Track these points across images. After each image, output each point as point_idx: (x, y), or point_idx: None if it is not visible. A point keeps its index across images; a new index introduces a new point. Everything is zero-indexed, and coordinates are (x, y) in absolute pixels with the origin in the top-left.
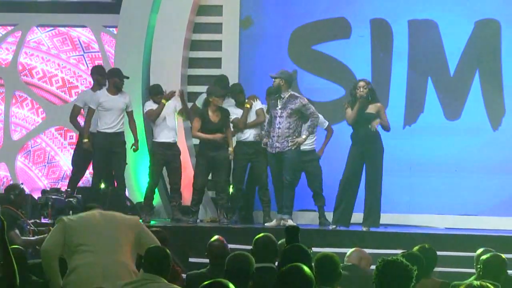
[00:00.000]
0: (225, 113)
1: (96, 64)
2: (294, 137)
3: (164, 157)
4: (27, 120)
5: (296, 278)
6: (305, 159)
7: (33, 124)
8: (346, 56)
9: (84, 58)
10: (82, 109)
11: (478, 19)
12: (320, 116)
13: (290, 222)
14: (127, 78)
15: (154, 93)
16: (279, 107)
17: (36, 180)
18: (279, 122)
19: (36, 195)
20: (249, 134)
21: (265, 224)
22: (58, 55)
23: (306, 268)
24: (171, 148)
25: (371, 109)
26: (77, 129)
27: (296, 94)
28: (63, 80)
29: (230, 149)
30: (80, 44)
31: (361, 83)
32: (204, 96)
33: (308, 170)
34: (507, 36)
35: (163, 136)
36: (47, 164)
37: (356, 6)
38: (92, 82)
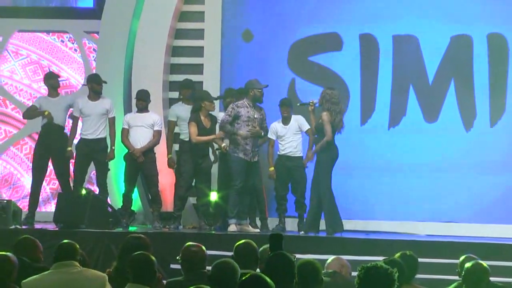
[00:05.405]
0: (214, 120)
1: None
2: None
3: (136, 164)
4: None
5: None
6: (290, 165)
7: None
8: (339, 66)
9: None
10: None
11: (453, 34)
12: (301, 117)
13: (250, 228)
14: (105, 82)
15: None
16: (255, 116)
17: None
18: (253, 127)
19: None
20: None
21: (229, 230)
22: (30, 85)
23: (267, 278)
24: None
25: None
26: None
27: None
28: None
29: (224, 144)
30: None
31: None
32: (174, 108)
33: (294, 177)
34: (478, 49)
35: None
36: (12, 186)
37: (347, 22)
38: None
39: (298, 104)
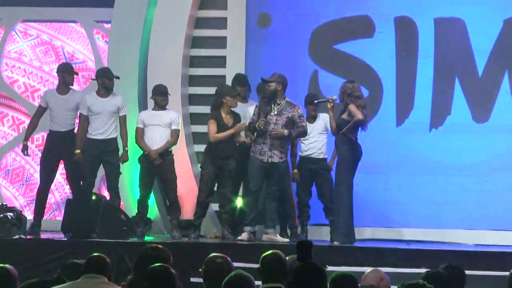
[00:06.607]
0: (238, 118)
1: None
2: (286, 147)
3: (152, 166)
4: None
5: None
6: (313, 167)
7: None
8: (370, 56)
9: None
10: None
11: (507, 17)
12: (326, 116)
13: (278, 238)
14: (117, 78)
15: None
16: (274, 113)
17: (13, 199)
18: (274, 129)
19: None
20: None
21: (238, 237)
22: (41, 67)
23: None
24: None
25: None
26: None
27: (292, 101)
28: None
29: (247, 139)
30: (64, 54)
31: None
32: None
33: (317, 180)
34: None
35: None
36: (25, 183)
37: (379, 3)
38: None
39: (315, 102)
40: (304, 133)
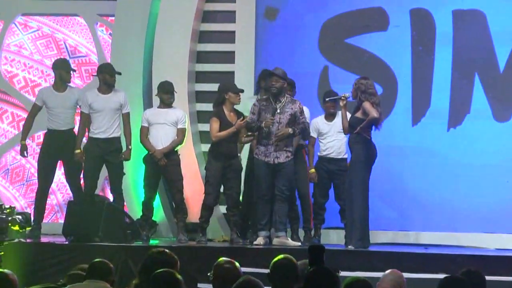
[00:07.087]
0: (241, 116)
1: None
2: (291, 147)
3: (157, 167)
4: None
5: None
6: (332, 167)
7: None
8: (384, 51)
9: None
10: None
11: None
12: (347, 114)
13: (289, 241)
14: (119, 74)
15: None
16: (277, 111)
17: (13, 200)
18: (278, 129)
19: None
20: None
21: (254, 242)
22: (42, 61)
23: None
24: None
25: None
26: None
27: (293, 98)
28: None
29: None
30: (66, 48)
31: None
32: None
33: (335, 182)
34: None
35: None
36: (25, 183)
37: None
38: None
39: (327, 99)
40: (306, 130)
